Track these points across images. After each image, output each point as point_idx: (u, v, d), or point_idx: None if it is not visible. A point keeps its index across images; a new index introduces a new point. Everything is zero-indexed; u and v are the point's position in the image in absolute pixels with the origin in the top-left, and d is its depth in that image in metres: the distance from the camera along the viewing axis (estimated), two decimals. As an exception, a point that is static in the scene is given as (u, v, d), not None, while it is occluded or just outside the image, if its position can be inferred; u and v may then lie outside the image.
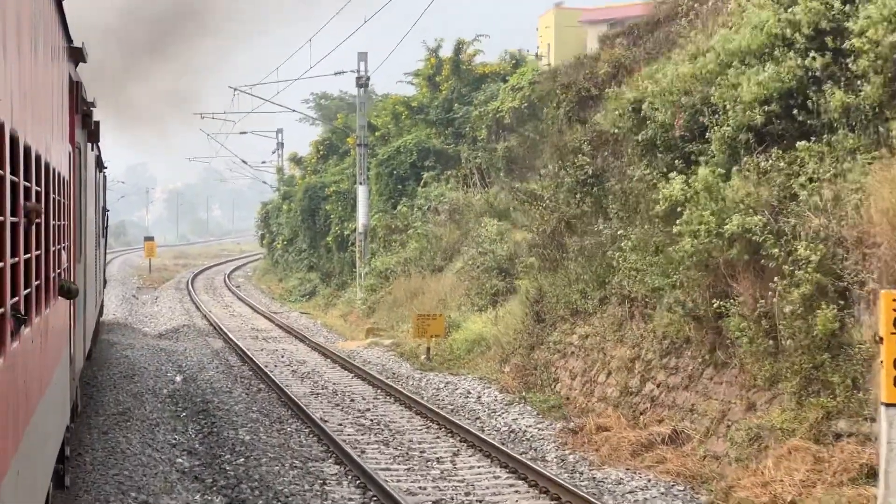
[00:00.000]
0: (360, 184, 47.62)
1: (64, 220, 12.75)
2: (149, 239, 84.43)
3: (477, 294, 34.65)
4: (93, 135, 19.64)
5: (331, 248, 54.43)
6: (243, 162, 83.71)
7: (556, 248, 25.30)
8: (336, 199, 53.57)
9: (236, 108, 57.63)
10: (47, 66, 10.23)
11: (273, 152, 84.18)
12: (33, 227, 8.79)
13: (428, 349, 31.74)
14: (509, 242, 34.83)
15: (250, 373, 29.23)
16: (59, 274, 11.90)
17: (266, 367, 29.84)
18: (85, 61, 15.24)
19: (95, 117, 19.46)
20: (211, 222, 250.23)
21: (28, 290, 8.67)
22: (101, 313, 33.82)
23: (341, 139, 62.55)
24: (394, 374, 28.67)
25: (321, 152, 62.35)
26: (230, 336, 37.96)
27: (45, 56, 9.92)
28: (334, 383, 27.36)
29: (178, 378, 28.40)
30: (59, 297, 11.71)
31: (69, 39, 13.55)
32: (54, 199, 11.04)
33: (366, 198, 47.34)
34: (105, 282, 38.87)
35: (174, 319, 46.03)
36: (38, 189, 9.30)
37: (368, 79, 47.01)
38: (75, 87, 14.91)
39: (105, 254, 37.73)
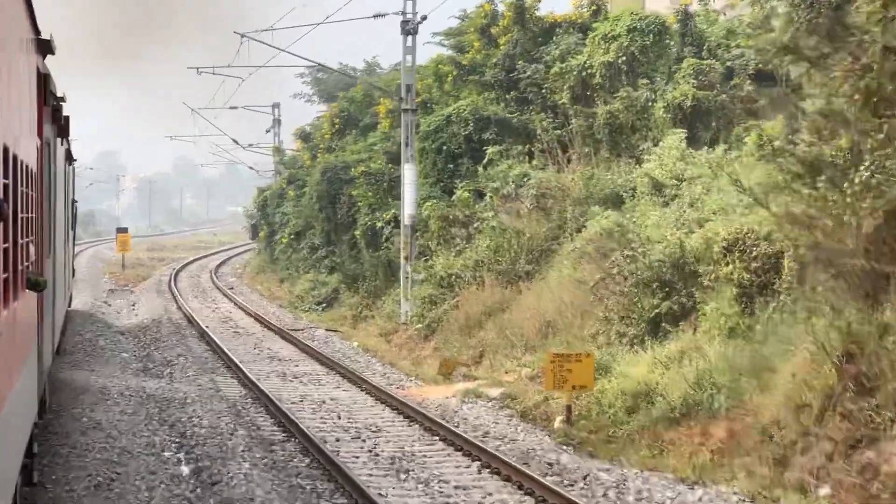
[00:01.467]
0: (407, 161, 36.21)
1: (32, 214, 12.59)
2: (122, 231, 72.32)
3: (624, 320, 23.37)
4: (63, 129, 19.14)
5: (358, 244, 42.95)
6: (234, 142, 72.37)
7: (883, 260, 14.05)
8: (365, 182, 42.06)
9: (243, 63, 45.93)
10: (14, 59, 10.07)
11: (267, 131, 72.63)
12: None
13: (568, 409, 20.45)
14: (668, 243, 23.57)
15: (304, 460, 17.77)
16: (28, 267, 11.70)
17: (323, 441, 18.52)
18: (53, 53, 14.13)
19: (65, 111, 18.72)
20: (184, 212, 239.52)
21: None
22: (69, 304, 34.23)
23: (361, 110, 51.03)
24: (550, 464, 17.19)
25: (337, 125, 50.77)
26: (246, 372, 26.53)
27: (11, 48, 9.76)
28: (458, 486, 15.99)
29: (186, 469, 17.05)
30: (27, 291, 11.46)
31: (37, 31, 13.10)
32: (23, 192, 10.98)
33: (414, 180, 35.93)
34: (74, 271, 39.43)
35: (161, 340, 34.54)
36: (7, 182, 9.21)
37: (424, 19, 35.57)
38: (43, 80, 14.25)
39: (74, 246, 37.51)
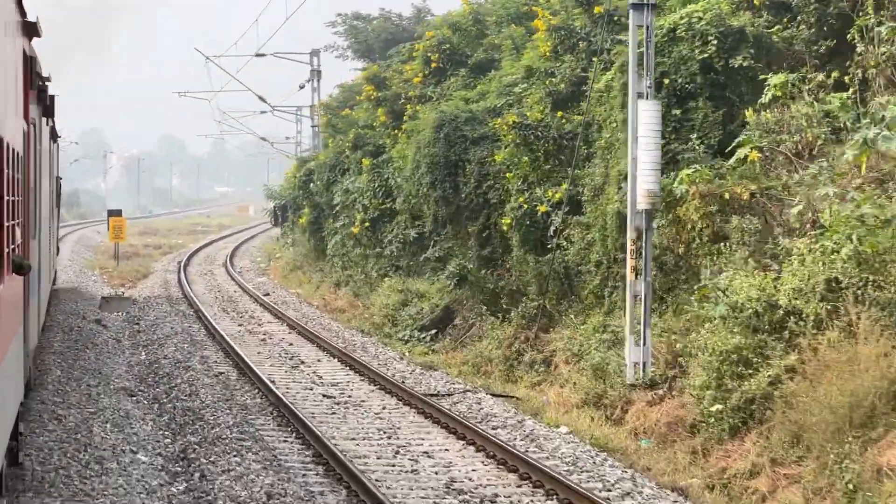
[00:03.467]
0: (641, 97, 20.33)
1: (18, 196, 12.75)
2: (115, 213, 55.96)
3: None
4: (48, 109, 19.45)
5: (507, 240, 27.10)
6: (260, 99, 56.67)
7: None
8: (517, 140, 26.18)
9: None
10: (0, 45, 10.22)
11: (302, 86, 56.69)
12: None
13: None
14: None
15: None
16: (14, 250, 11.80)
17: None
18: (39, 36, 14.39)
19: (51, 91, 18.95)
20: (171, 192, 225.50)
21: None
22: (54, 282, 33.98)
23: (469, 41, 35.10)
24: None
25: (434, 64, 34.80)
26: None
27: None
28: None
29: None
30: (13, 274, 11.57)
31: (23, 14, 13.20)
32: (8, 174, 11.02)
33: (658, 129, 20.07)
34: (58, 250, 40.67)
35: (206, 420, 18.70)
36: None
37: None
38: (29, 63, 14.33)
39: (58, 225, 38.45)
